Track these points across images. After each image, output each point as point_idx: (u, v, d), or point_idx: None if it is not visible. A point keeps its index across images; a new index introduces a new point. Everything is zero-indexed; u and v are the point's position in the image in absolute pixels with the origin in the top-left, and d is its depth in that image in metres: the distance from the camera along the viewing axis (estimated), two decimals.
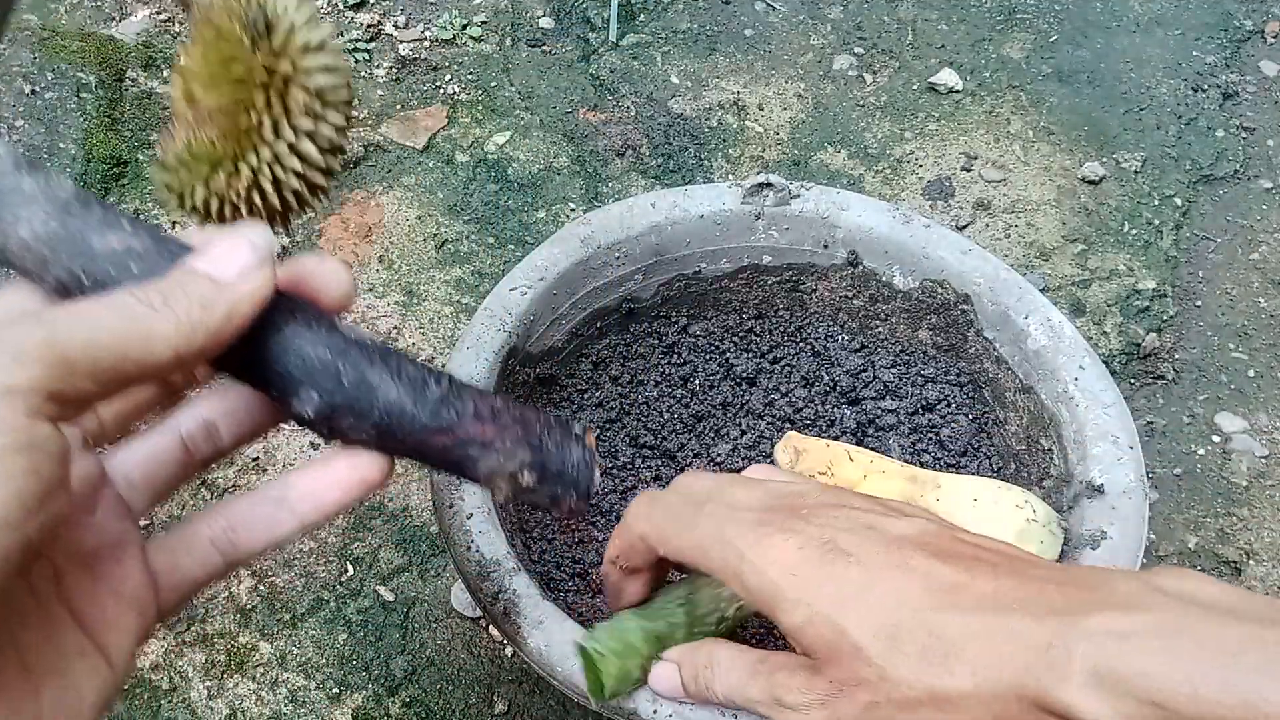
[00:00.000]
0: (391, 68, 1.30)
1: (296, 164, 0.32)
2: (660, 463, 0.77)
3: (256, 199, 0.32)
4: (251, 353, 0.28)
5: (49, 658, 0.27)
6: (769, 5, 1.38)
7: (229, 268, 0.27)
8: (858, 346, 0.81)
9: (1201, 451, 1.00)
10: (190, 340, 0.25)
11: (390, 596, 0.87)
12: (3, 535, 0.22)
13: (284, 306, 0.29)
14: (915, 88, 1.29)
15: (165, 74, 1.26)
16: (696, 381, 0.80)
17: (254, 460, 0.94)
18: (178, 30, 1.32)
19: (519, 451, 0.31)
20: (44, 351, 0.23)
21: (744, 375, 0.80)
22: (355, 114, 0.31)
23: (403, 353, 0.32)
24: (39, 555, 0.28)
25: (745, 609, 0.49)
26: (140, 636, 0.31)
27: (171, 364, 0.25)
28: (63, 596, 0.29)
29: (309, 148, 0.32)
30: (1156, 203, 1.18)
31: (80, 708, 0.28)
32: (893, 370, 0.80)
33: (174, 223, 1.00)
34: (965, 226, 1.15)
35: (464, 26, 1.34)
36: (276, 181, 0.32)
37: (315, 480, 0.33)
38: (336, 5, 1.35)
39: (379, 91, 1.28)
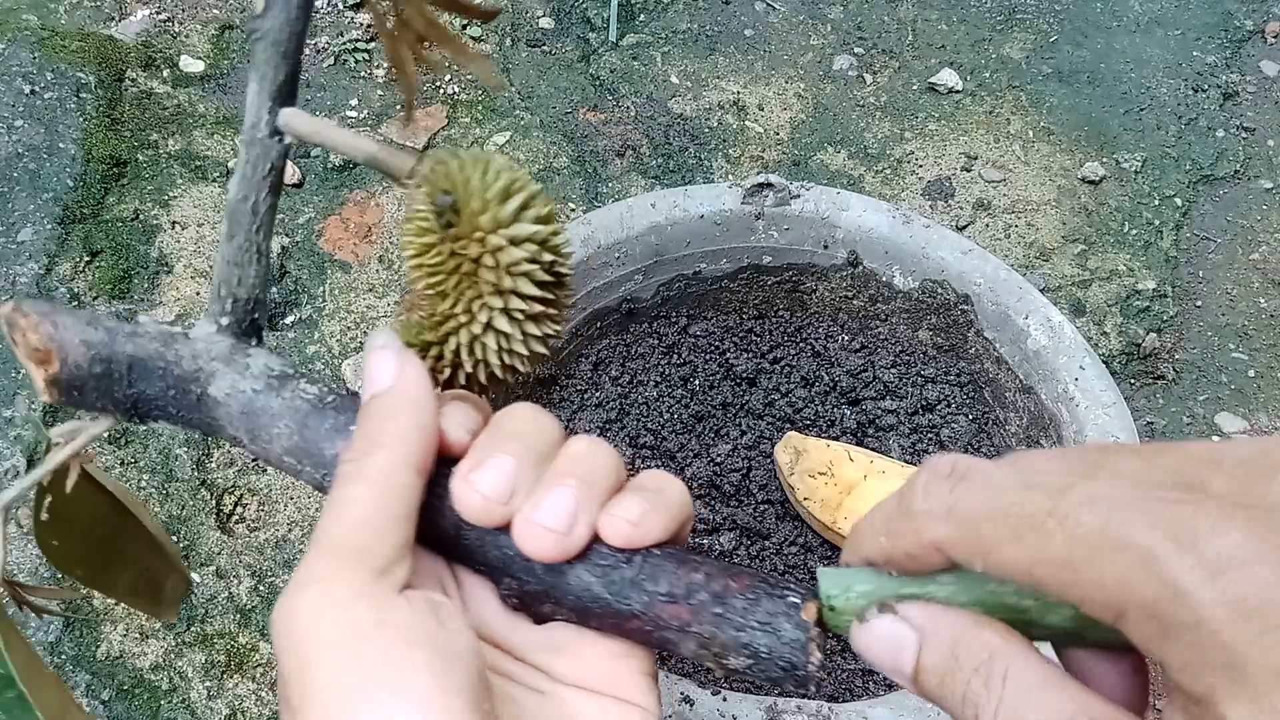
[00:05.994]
0: (391, 68, 1.30)
1: (493, 342, 0.32)
2: (660, 463, 0.76)
3: (461, 379, 0.33)
4: (462, 551, 0.31)
5: None
6: (769, 5, 1.38)
7: (376, 383, 0.31)
8: (858, 346, 0.81)
9: None
10: (407, 436, 0.30)
11: None
12: None
13: None
14: (915, 88, 1.29)
15: (165, 74, 1.26)
16: (696, 381, 0.80)
17: (254, 460, 0.94)
18: (178, 30, 1.32)
19: (718, 634, 0.28)
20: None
21: (744, 375, 0.80)
22: (568, 278, 0.33)
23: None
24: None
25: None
26: None
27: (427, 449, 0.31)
28: None
29: (505, 326, 0.32)
30: (1157, 203, 1.18)
31: None
32: (893, 370, 0.80)
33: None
34: (965, 226, 1.15)
35: (464, 26, 1.34)
36: (478, 362, 0.33)
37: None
38: (336, 5, 1.35)
39: (379, 92, 1.27)
